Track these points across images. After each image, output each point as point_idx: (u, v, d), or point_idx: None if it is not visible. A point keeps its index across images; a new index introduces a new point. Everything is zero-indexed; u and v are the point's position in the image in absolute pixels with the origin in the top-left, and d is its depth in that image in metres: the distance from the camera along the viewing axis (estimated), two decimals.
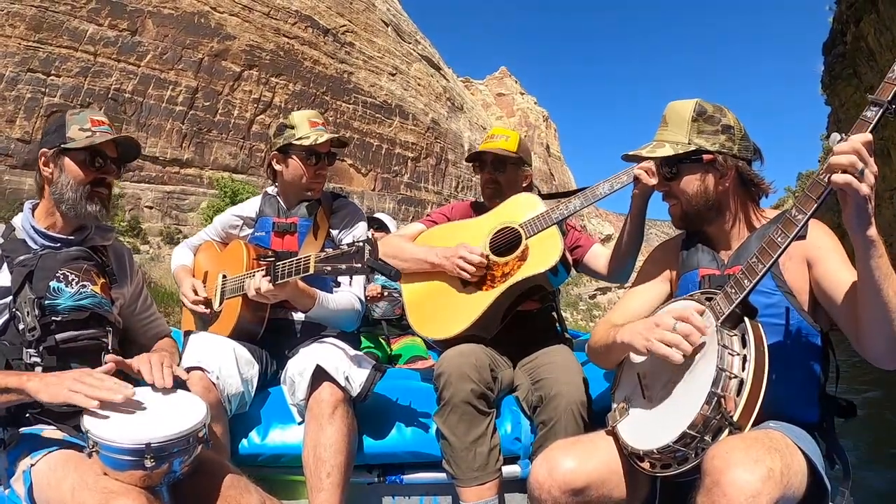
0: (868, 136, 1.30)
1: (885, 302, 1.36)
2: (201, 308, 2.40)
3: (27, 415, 1.71)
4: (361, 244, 1.84)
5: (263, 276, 2.06)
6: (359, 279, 2.33)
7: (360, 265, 1.82)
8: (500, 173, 2.53)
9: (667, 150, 1.70)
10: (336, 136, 2.41)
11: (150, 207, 35.38)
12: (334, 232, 2.45)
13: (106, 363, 1.73)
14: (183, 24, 41.50)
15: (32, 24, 34.20)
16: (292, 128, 2.39)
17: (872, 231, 1.33)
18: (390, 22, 61.95)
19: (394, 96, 57.70)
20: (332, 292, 2.29)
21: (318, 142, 2.34)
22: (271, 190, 2.56)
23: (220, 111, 43.28)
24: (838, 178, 1.30)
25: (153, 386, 1.69)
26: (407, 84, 60.31)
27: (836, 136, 1.32)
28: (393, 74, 58.45)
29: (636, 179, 2.13)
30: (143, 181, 35.84)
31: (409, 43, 65.43)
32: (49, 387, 1.54)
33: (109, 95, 36.85)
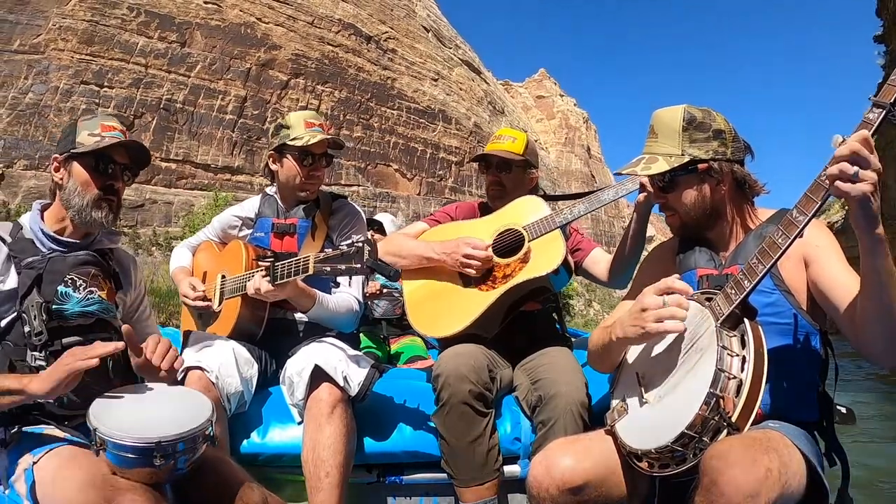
0: (865, 133, 1.28)
1: (887, 302, 1.35)
2: (201, 303, 2.40)
3: (29, 415, 1.71)
4: (361, 244, 1.83)
5: (263, 276, 2.06)
6: (358, 280, 2.32)
7: (359, 265, 1.82)
8: (506, 175, 2.49)
9: (661, 165, 1.67)
10: (331, 136, 2.38)
11: (204, 214, 36.39)
12: (333, 233, 2.43)
13: (111, 363, 1.78)
14: (230, 35, 42.75)
15: (84, 37, 35.79)
16: (288, 128, 2.37)
17: (880, 230, 1.31)
18: (430, 27, 62.45)
19: (436, 101, 58.09)
20: (330, 293, 2.29)
21: (310, 142, 2.31)
22: (270, 190, 2.54)
23: (268, 119, 44.32)
24: (835, 186, 1.28)
25: (157, 384, 1.71)
26: (449, 89, 60.66)
27: (837, 137, 1.31)
28: (435, 79, 58.90)
29: (641, 187, 2.11)
30: (195, 188, 37.05)
31: (450, 48, 65.80)
32: (48, 379, 1.52)
33: (161, 106, 38.24)
